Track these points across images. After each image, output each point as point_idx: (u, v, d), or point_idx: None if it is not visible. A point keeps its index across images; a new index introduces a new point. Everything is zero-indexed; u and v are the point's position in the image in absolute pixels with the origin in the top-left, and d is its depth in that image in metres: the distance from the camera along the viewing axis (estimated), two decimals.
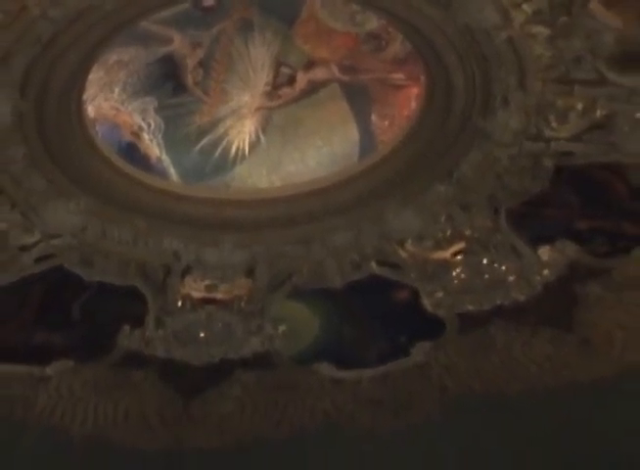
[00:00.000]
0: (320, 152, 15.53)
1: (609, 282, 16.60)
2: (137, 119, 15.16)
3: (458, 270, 16.48)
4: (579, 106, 14.49)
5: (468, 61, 13.84)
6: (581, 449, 18.88)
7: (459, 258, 16.32)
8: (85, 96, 14.05)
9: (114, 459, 18.40)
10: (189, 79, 15.01)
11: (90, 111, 14.37)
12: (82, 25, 12.84)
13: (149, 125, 15.20)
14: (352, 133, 15.40)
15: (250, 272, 16.29)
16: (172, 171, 15.43)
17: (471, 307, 16.90)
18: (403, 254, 16.18)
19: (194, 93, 15.11)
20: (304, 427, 18.44)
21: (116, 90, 14.91)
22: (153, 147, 15.34)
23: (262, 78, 15.01)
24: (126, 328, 16.69)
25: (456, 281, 16.58)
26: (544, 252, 16.24)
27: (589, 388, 17.88)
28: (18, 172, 14.58)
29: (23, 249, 15.49)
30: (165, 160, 15.42)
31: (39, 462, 18.44)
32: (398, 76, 15.01)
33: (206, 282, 16.40)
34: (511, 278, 16.57)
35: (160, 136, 15.28)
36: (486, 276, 16.51)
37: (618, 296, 16.88)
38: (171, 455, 18.46)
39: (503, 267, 16.43)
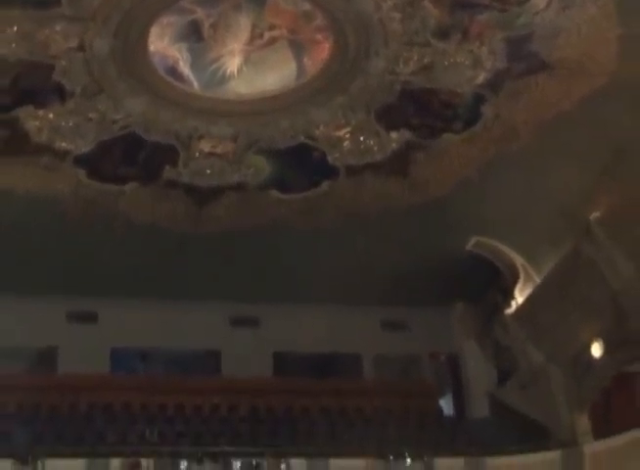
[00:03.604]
0: (274, 76, 15.53)
1: (425, 151, 16.90)
2: (177, 54, 15.09)
3: (347, 142, 16.75)
4: (415, 57, 14.87)
5: (357, 30, 14.34)
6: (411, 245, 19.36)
7: (347, 136, 16.58)
8: (149, 41, 14.57)
9: (159, 237, 18.61)
10: (205, 34, 14.82)
11: (151, 48, 14.78)
12: (147, 2, 13.68)
13: (183, 57, 15.15)
14: (292, 66, 15.39)
15: (234, 139, 16.69)
16: (195, 83, 15.54)
17: (353, 163, 17.23)
18: (318, 132, 16.55)
19: (207, 42, 14.94)
20: (262, 225, 18.67)
21: (166, 38, 14.76)
22: (185, 69, 15.31)
23: (245, 35, 14.83)
24: (167, 167, 17.10)
25: (345, 148, 16.90)
26: (393, 134, 16.58)
27: (415, 210, 18.23)
28: (111, 80, 15.02)
29: (113, 122, 15.93)
30: (191, 76, 15.41)
31: (118, 240, 18.55)
32: (319, 37, 14.89)
33: (211, 143, 16.75)
34: (375, 148, 16.85)
35: (188, 64, 15.25)
36: (362, 147, 16.74)
37: (433, 160, 17.14)
38: (191, 236, 18.72)
39: (371, 142, 16.76)
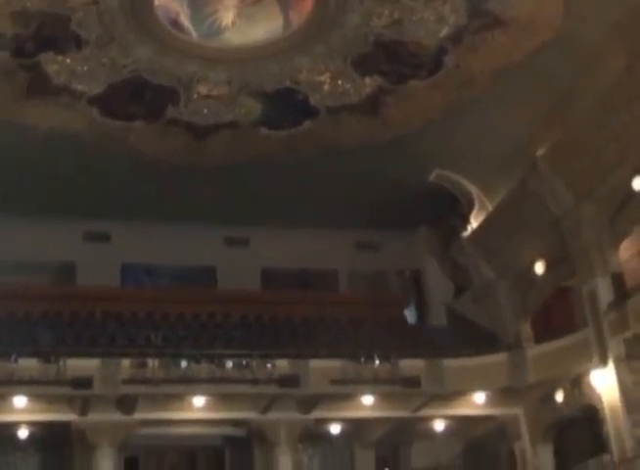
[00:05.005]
0: (264, 28, 15.68)
1: (395, 95, 17.10)
2: (178, 8, 15.26)
3: (326, 86, 16.94)
4: (386, 12, 15.14)
5: None
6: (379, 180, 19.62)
7: (327, 80, 16.74)
8: None
9: (164, 168, 18.71)
10: None
11: (156, 2, 15.01)
12: None
13: (184, 11, 15.29)
14: (279, 20, 15.57)
15: (229, 83, 16.91)
16: (194, 34, 15.77)
17: (332, 104, 17.39)
18: (302, 77, 16.76)
19: None
20: (254, 157, 18.81)
21: None
22: (185, 21, 15.50)
23: None
24: (170, 106, 17.32)
25: (325, 91, 17.03)
26: (367, 80, 16.80)
27: (385, 145, 18.43)
28: (121, 30, 15.24)
29: (123, 67, 16.18)
30: (191, 28, 15.62)
31: (128, 170, 18.75)
32: None
33: (209, 86, 16.93)
34: (351, 91, 17.07)
35: (188, 17, 15.44)
36: (340, 90, 16.93)
37: (401, 102, 17.37)
38: (191, 167, 18.91)
39: (348, 86, 16.97)
